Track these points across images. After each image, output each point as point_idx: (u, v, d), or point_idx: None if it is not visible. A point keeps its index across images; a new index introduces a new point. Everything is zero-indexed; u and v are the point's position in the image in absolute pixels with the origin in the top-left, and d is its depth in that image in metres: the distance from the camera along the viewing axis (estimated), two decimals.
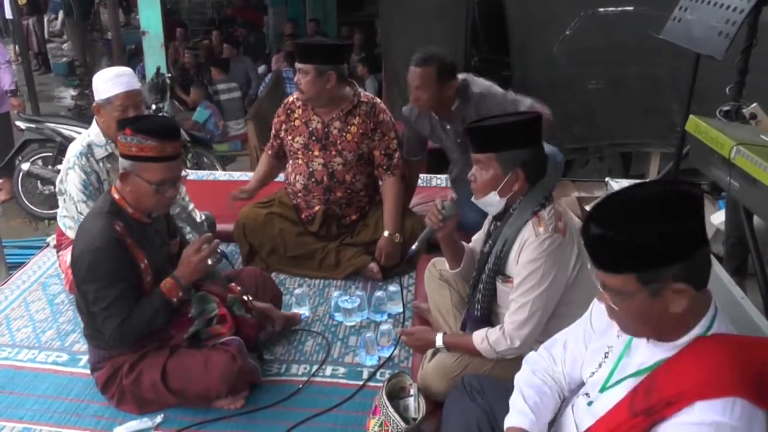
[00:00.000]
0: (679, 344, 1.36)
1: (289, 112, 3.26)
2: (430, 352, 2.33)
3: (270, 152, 3.41)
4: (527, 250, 2.06)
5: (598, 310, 1.62)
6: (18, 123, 5.71)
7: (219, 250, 2.33)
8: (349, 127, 3.17)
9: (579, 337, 1.68)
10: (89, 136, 2.95)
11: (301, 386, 2.46)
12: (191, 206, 3.26)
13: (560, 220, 2.08)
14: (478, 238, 2.47)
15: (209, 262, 2.29)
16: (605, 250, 1.33)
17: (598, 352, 1.56)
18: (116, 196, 2.24)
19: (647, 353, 1.42)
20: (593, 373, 1.55)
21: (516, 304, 2.09)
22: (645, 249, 1.28)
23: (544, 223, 2.06)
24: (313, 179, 3.21)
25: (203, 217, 3.31)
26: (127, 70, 2.96)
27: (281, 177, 3.47)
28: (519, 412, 1.65)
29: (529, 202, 2.10)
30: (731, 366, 1.28)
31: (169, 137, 2.19)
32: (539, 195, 2.11)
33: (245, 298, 2.47)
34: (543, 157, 2.17)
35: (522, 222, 2.10)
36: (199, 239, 2.29)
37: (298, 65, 3.08)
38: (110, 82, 2.84)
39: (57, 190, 3.01)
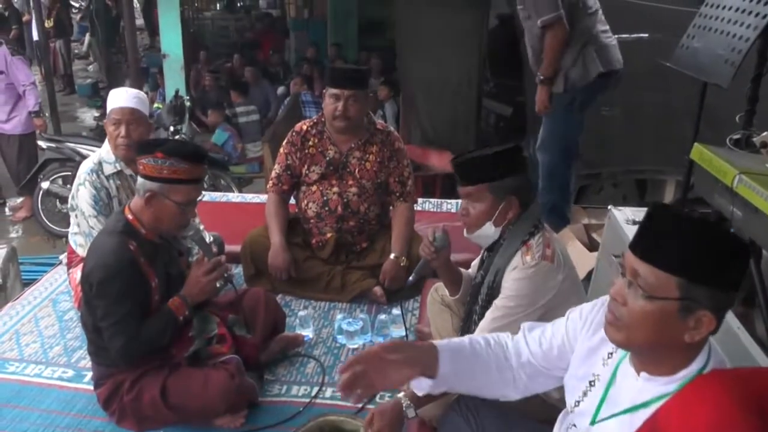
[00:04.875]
0: (675, 380, 1.32)
1: (303, 140, 3.24)
2: None
3: (274, 191, 3.30)
4: (512, 274, 2.07)
5: (573, 319, 1.63)
6: (39, 142, 5.85)
7: (226, 274, 2.39)
8: (367, 155, 3.21)
9: (561, 333, 1.66)
10: (101, 153, 3.02)
11: (302, 408, 2.46)
12: (201, 227, 3.29)
13: (548, 247, 2.08)
14: (476, 263, 2.47)
15: (217, 284, 2.35)
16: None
17: (582, 379, 1.53)
18: (129, 216, 2.29)
19: (636, 388, 1.38)
20: (578, 402, 1.53)
21: (492, 314, 2.09)
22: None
23: (531, 252, 2.06)
24: (326, 208, 3.22)
25: (212, 239, 3.34)
26: (133, 91, 3.03)
27: (291, 200, 3.47)
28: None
29: (518, 232, 2.11)
30: (737, 404, 1.25)
31: (200, 161, 2.29)
32: (528, 224, 2.11)
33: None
34: (530, 180, 2.20)
35: (512, 251, 2.10)
36: (210, 261, 2.35)
37: (345, 92, 3.05)
38: (112, 97, 2.94)
39: (69, 206, 3.07)
